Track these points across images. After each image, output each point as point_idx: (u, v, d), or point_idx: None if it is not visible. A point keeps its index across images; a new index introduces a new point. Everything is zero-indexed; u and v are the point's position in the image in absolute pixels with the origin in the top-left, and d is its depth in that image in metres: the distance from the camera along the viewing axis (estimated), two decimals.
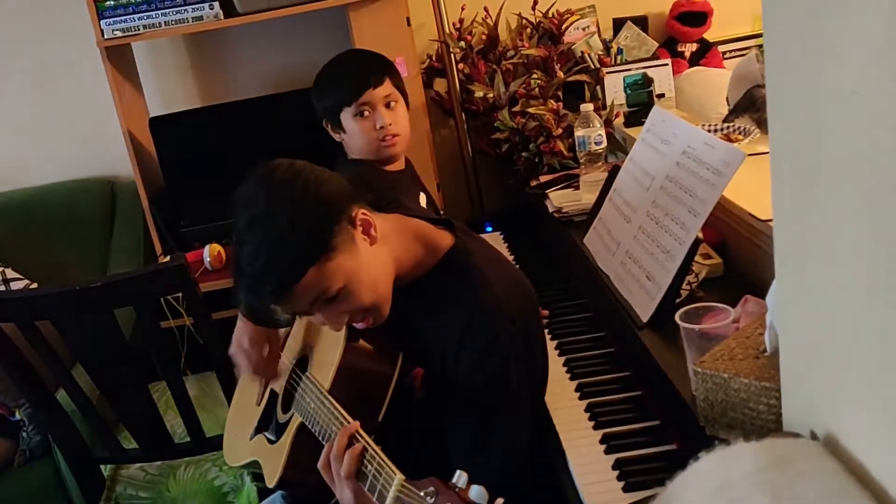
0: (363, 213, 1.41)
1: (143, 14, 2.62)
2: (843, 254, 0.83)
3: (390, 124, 2.12)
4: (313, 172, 1.40)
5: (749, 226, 1.64)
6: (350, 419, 1.38)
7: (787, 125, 0.92)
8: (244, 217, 1.36)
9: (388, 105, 2.13)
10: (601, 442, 1.48)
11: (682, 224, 1.60)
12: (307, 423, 1.51)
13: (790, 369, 1.02)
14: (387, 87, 2.14)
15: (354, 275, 1.37)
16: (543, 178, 2.56)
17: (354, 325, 1.47)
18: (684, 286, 1.64)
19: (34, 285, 2.69)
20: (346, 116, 2.12)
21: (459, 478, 1.12)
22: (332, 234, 1.35)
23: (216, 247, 2.68)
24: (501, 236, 2.56)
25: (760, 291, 1.51)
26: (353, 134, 2.13)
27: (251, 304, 1.39)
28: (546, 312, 1.96)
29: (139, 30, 2.64)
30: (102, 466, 2.29)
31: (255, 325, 1.65)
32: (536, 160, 2.67)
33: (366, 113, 2.11)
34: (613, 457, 1.42)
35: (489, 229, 2.63)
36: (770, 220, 1.55)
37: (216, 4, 2.61)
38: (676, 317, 1.34)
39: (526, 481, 1.51)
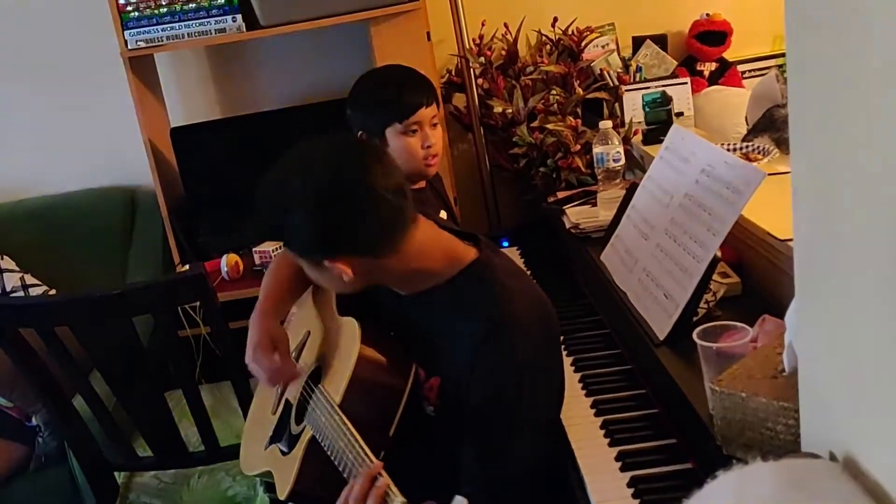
0: (343, 262, 1.43)
1: (166, 25, 2.65)
2: (864, 272, 0.83)
3: (435, 143, 2.14)
4: (375, 187, 1.41)
5: (768, 245, 1.64)
6: (358, 437, 1.39)
7: (810, 142, 0.92)
8: (287, 162, 1.45)
9: (433, 125, 2.15)
10: (616, 459, 1.47)
11: (701, 242, 1.60)
12: (318, 437, 1.51)
13: (809, 389, 1.02)
14: (434, 108, 2.16)
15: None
16: (561, 195, 2.56)
17: None
18: (702, 305, 1.64)
19: (52, 292, 2.71)
20: (393, 133, 2.11)
21: None
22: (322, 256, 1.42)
23: (234, 257, 2.70)
24: (518, 251, 2.56)
25: (778, 311, 1.50)
26: (398, 150, 2.10)
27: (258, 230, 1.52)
28: None
29: (162, 41, 2.67)
30: (116, 473, 2.30)
31: (257, 338, 1.66)
32: (554, 176, 2.68)
33: (415, 130, 2.11)
34: (629, 474, 1.42)
35: (505, 244, 2.63)
36: (789, 240, 1.55)
37: (239, 17, 2.64)
38: (694, 335, 1.34)
39: (538, 497, 1.50)
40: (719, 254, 1.59)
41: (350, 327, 1.57)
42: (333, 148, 1.47)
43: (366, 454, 1.36)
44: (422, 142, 2.11)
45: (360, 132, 2.15)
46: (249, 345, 1.67)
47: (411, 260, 1.47)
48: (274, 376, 1.66)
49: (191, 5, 2.64)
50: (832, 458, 0.95)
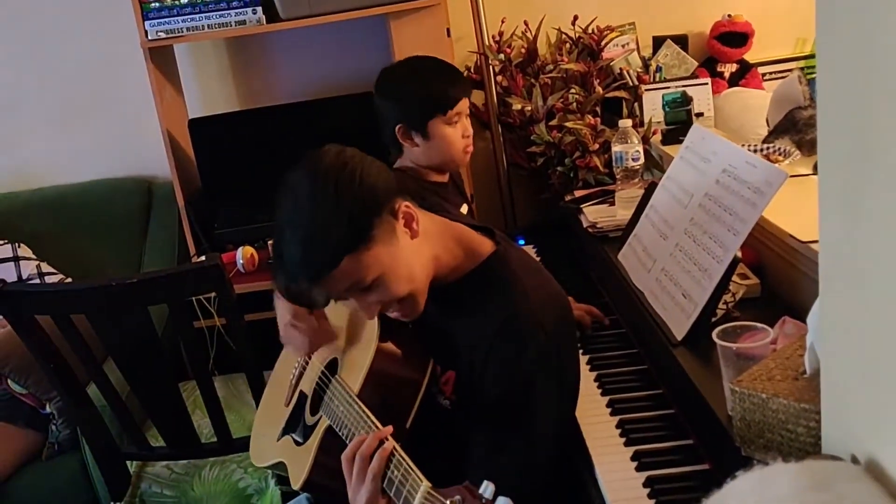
0: (406, 207, 1.43)
1: (186, 16, 2.66)
2: (889, 275, 0.82)
3: (472, 133, 2.19)
4: (362, 162, 1.42)
5: (788, 247, 1.62)
6: (379, 424, 1.38)
7: (838, 138, 0.91)
8: (289, 200, 1.39)
9: (467, 115, 2.20)
10: (632, 459, 1.46)
11: (721, 242, 1.59)
12: (335, 427, 1.51)
13: (832, 392, 1.01)
14: (469, 99, 2.21)
15: (391, 267, 1.39)
16: (578, 193, 2.55)
17: (388, 314, 1.48)
18: (720, 305, 1.62)
19: (68, 280, 2.72)
20: (437, 123, 2.13)
21: (486, 488, 1.12)
22: (372, 225, 1.37)
23: (249, 249, 2.70)
24: (534, 249, 2.55)
25: (797, 313, 1.50)
26: (441, 140, 2.14)
27: (288, 286, 1.42)
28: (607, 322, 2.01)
29: (182, 32, 2.67)
30: (128, 463, 2.31)
31: (291, 303, 1.66)
32: (571, 175, 2.66)
33: (456, 121, 2.15)
34: (645, 474, 1.41)
35: (521, 242, 2.62)
36: (811, 242, 1.54)
37: (259, 9, 2.64)
38: (714, 335, 1.33)
39: (548, 493, 1.50)
40: (739, 254, 1.58)
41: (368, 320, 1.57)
42: (296, 176, 1.43)
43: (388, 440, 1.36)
44: (462, 132, 2.16)
45: (397, 125, 2.14)
46: (283, 314, 1.68)
47: (434, 243, 1.47)
48: (314, 339, 1.66)
49: None
50: (854, 460, 0.94)
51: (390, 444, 1.30)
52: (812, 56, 2.91)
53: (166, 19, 2.65)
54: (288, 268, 1.39)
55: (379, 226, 1.38)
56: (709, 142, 1.81)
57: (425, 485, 1.19)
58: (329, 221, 1.35)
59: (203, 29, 2.67)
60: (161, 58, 2.78)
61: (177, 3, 2.64)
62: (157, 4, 2.65)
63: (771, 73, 2.94)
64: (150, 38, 2.66)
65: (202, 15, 2.65)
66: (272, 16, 2.65)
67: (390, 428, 1.34)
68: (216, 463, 2.31)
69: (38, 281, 2.68)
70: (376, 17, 2.66)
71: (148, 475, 2.32)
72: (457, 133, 2.15)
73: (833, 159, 0.93)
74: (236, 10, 2.65)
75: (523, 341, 1.44)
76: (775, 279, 1.72)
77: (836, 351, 0.99)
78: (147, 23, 2.65)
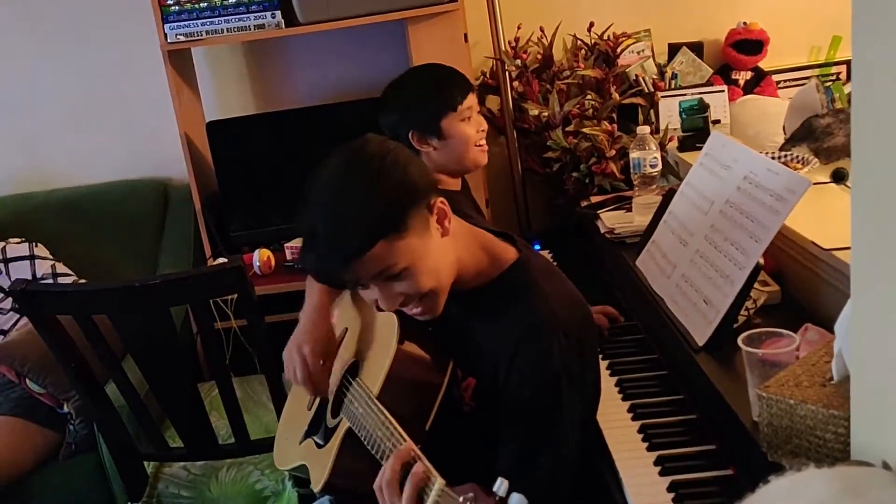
0: (442, 203, 1.45)
1: (205, 20, 2.67)
2: None
3: (485, 128, 2.22)
4: (403, 153, 1.45)
5: (809, 254, 1.63)
6: (397, 425, 1.39)
7: (872, 142, 0.91)
8: (328, 180, 1.41)
9: (477, 112, 2.22)
10: (655, 463, 1.47)
11: (743, 249, 1.59)
12: (354, 429, 1.52)
13: (861, 398, 1.01)
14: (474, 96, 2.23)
15: (421, 258, 1.40)
16: (594, 199, 2.56)
17: (407, 311, 1.49)
18: (742, 312, 1.63)
19: (82, 281, 2.73)
20: (452, 122, 2.14)
21: (500, 486, 1.13)
22: (409, 214, 1.38)
23: (266, 252, 2.71)
24: (550, 255, 2.56)
25: (818, 320, 1.51)
26: (457, 138, 2.15)
27: (319, 267, 1.42)
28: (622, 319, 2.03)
29: (202, 35, 2.68)
30: (146, 463, 2.32)
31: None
32: (587, 181, 2.67)
33: (470, 117, 2.17)
34: (669, 479, 1.42)
35: (537, 247, 2.64)
36: (833, 250, 1.55)
37: (278, 13, 2.66)
38: (739, 341, 1.34)
39: (573, 496, 1.51)
40: (762, 261, 1.59)
41: (388, 321, 1.58)
42: (337, 160, 1.44)
43: (405, 442, 1.36)
44: (476, 126, 2.18)
45: (409, 133, 2.16)
46: (303, 340, 1.68)
47: (459, 246, 1.49)
48: (309, 380, 1.68)
49: (230, 0, 2.66)
50: (885, 466, 0.95)
51: (421, 468, 1.25)
52: (826, 64, 2.92)
53: (185, 23, 2.67)
54: (321, 248, 1.40)
55: (415, 216, 1.39)
56: (729, 149, 1.82)
57: (440, 482, 1.20)
58: (367, 205, 1.36)
59: (222, 32, 2.68)
60: (179, 61, 2.79)
61: (196, 6, 2.66)
62: (177, 8, 2.66)
63: (785, 81, 2.95)
64: (169, 41, 2.68)
65: (221, 19, 2.67)
66: (290, 20, 2.67)
67: (411, 444, 1.32)
68: (233, 464, 2.31)
69: (51, 281, 2.69)
70: (394, 21, 2.67)
71: (165, 476, 2.33)
72: (471, 129, 2.17)
73: (866, 164, 0.93)
74: (255, 14, 2.66)
75: (547, 346, 1.44)
76: (795, 286, 1.73)
77: (867, 357, 0.99)
78: (166, 26, 2.67)
